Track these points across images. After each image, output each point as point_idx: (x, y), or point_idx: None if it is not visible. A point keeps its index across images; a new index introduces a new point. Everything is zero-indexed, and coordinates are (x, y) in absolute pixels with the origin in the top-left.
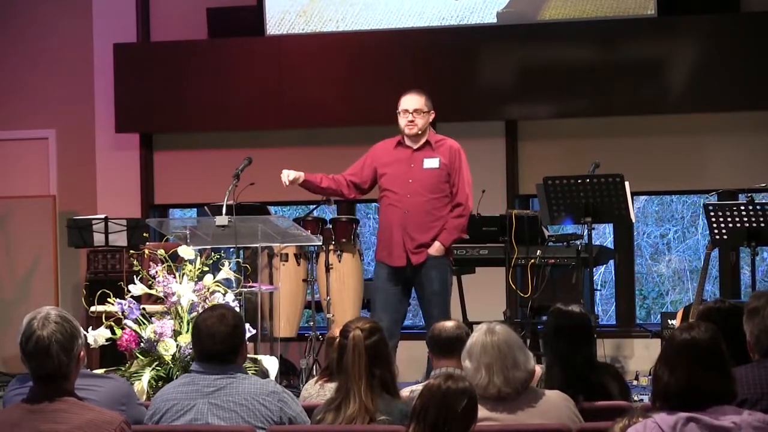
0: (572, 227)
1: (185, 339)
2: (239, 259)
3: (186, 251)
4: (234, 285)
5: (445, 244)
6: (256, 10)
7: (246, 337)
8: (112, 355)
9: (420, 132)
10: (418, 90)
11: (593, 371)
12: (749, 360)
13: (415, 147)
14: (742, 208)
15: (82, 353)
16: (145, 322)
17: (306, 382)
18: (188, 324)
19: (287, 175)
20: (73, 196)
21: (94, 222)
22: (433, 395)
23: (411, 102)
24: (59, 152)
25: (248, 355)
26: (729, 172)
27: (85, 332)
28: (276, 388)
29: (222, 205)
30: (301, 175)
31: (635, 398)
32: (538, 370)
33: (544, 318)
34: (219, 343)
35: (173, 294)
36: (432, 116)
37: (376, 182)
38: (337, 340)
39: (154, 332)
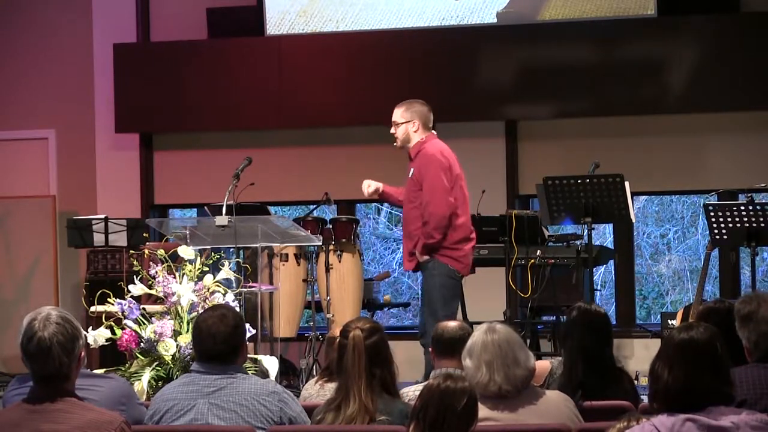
0: (572, 227)
1: (185, 339)
2: (239, 259)
3: (186, 251)
4: (234, 285)
5: (417, 251)
6: (256, 10)
7: (246, 337)
8: (112, 355)
9: (401, 144)
10: (404, 101)
11: (610, 374)
12: (748, 361)
13: (410, 157)
14: (742, 208)
15: (82, 353)
16: (145, 322)
17: (306, 382)
18: (188, 324)
19: (367, 186)
20: (73, 196)
21: (94, 222)
22: (432, 394)
23: (392, 115)
24: (59, 152)
25: (248, 355)
26: (729, 172)
27: (85, 332)
28: (276, 388)
29: (222, 205)
30: (380, 186)
31: None
32: (547, 364)
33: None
34: (219, 344)
35: (173, 294)
36: (414, 125)
37: None
38: (337, 340)
39: (154, 332)
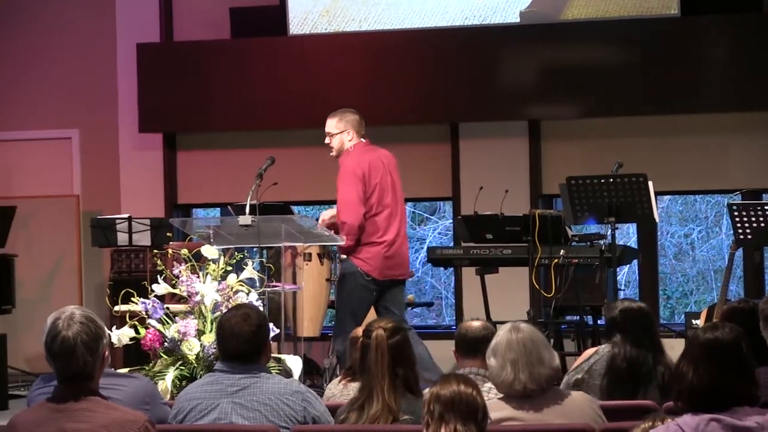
0: (595, 227)
1: (209, 338)
2: (263, 259)
3: (209, 251)
4: (257, 284)
5: (338, 250)
6: (279, 10)
7: (270, 337)
8: (136, 355)
9: (336, 154)
10: (336, 111)
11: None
12: None
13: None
14: (767, 207)
15: (106, 353)
16: (169, 321)
17: (329, 381)
18: (212, 323)
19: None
20: (96, 196)
21: (117, 222)
22: (434, 396)
23: (325, 126)
24: (83, 152)
25: (272, 355)
26: (753, 171)
27: (108, 332)
28: (300, 387)
29: (245, 205)
30: None
31: None
32: (594, 349)
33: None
34: (243, 343)
35: (197, 293)
36: (348, 134)
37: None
38: (360, 339)
39: (178, 332)
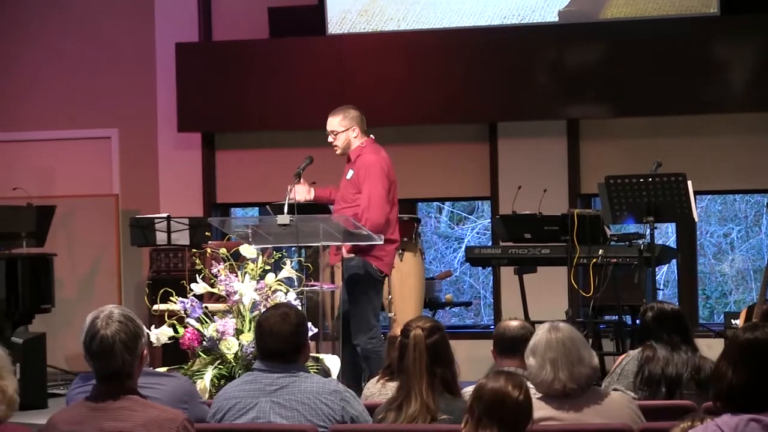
0: (634, 226)
1: (247, 337)
2: (301, 258)
3: (248, 250)
4: (296, 284)
5: (345, 248)
6: (317, 10)
7: (308, 336)
8: (175, 354)
9: (342, 151)
10: (336, 109)
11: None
12: None
13: (349, 160)
14: None
15: (145, 352)
16: (208, 320)
17: (367, 381)
18: (250, 322)
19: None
20: (135, 195)
21: (156, 221)
22: (482, 387)
23: (327, 124)
24: (122, 151)
25: (310, 354)
26: None
27: (147, 331)
28: (338, 387)
29: (283, 204)
30: (312, 192)
31: None
32: (634, 352)
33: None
34: (281, 342)
35: (235, 293)
36: (354, 131)
37: None
38: (398, 339)
39: (217, 331)
